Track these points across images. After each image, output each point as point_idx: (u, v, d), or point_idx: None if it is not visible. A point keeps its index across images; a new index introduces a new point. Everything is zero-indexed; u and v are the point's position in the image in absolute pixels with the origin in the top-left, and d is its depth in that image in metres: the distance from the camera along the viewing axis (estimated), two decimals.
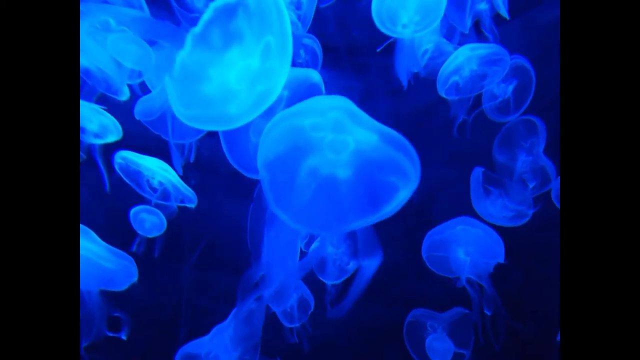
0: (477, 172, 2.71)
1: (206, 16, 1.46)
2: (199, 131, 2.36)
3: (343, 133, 1.46)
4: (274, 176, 1.49)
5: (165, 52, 2.43)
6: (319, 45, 2.68)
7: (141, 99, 2.36)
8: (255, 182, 2.03)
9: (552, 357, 2.48)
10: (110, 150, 2.54)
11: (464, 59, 2.61)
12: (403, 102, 2.90)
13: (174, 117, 2.36)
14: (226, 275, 2.12)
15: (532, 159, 2.80)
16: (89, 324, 2.17)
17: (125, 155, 2.57)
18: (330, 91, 1.90)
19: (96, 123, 2.47)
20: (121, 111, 2.47)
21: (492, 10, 2.72)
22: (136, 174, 2.59)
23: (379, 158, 1.47)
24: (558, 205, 2.53)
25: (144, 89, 2.47)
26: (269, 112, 1.66)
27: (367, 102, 2.66)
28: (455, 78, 2.63)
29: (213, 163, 2.83)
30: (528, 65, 2.72)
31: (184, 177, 2.58)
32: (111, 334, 2.36)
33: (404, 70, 2.58)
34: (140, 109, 2.34)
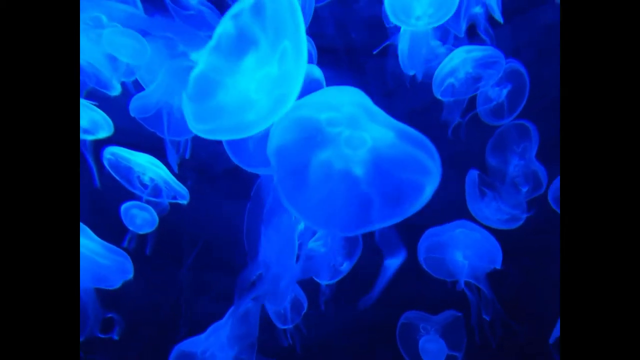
0: (473, 174, 2.72)
1: (221, 27, 1.43)
2: None
3: (359, 129, 1.43)
4: (284, 166, 1.45)
5: (161, 46, 2.42)
6: (314, 46, 2.68)
7: (136, 96, 2.35)
8: (253, 182, 2.03)
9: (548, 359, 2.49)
10: (101, 146, 2.52)
11: (459, 61, 2.62)
12: (398, 104, 2.90)
13: (169, 114, 2.35)
14: (225, 276, 2.10)
15: (525, 164, 2.81)
16: (83, 323, 2.14)
17: (114, 151, 2.54)
18: None
19: (86, 119, 2.45)
20: (113, 107, 2.45)
21: (487, 14, 2.74)
22: (126, 170, 2.56)
23: (397, 155, 1.44)
24: (555, 207, 2.54)
25: (137, 86, 2.46)
26: None
27: None
28: (451, 80, 2.65)
29: (210, 162, 2.81)
30: (522, 70, 2.73)
31: (181, 177, 2.56)
32: (103, 335, 2.33)
33: (418, 63, 2.58)
34: (135, 106, 2.32)
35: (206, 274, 3.03)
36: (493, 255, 2.52)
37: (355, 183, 1.44)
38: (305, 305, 2.65)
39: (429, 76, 2.77)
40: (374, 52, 2.75)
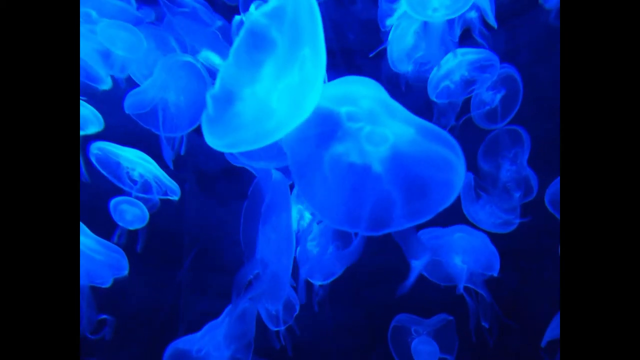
0: (469, 177, 2.72)
1: (238, 41, 1.39)
2: (190, 124, 2.32)
3: (380, 125, 1.39)
4: (301, 160, 1.39)
5: (158, 40, 2.41)
6: None
7: (131, 92, 2.33)
8: (250, 181, 2.02)
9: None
10: (90, 141, 2.49)
11: (454, 64, 2.64)
12: None
13: (164, 110, 2.33)
14: (223, 276, 2.08)
15: (516, 169, 2.82)
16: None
17: (102, 146, 2.50)
18: None
19: None
20: (104, 104, 2.42)
21: (482, 18, 2.76)
22: (115, 166, 2.52)
23: (419, 152, 1.39)
24: (552, 210, 2.55)
25: (128, 82, 2.43)
26: None
27: None
28: (446, 83, 2.66)
29: (207, 162, 2.80)
30: (516, 75, 2.75)
31: (178, 177, 2.53)
32: (93, 337, 2.30)
33: (435, 53, 2.57)
34: (130, 102, 2.30)
35: (204, 274, 3.00)
36: (491, 262, 2.51)
37: (376, 181, 1.39)
38: (298, 306, 2.63)
39: (423, 80, 2.79)
40: (370, 55, 2.76)
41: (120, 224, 2.55)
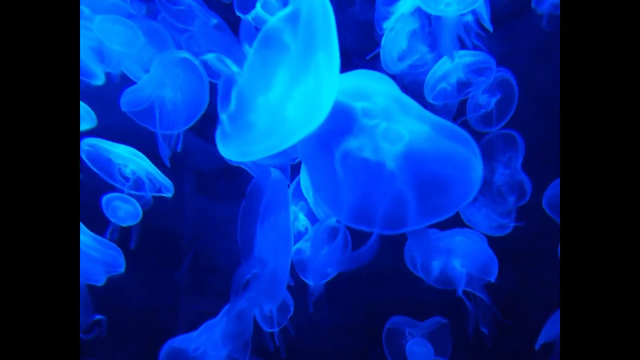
0: None
1: (254, 50, 1.38)
2: (187, 121, 2.31)
3: (394, 122, 1.35)
4: (314, 156, 1.36)
5: (151, 35, 2.39)
6: None
7: (127, 90, 2.30)
8: (249, 181, 2.01)
9: None
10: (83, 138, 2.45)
11: (451, 66, 2.64)
12: None
13: (161, 107, 2.31)
14: (221, 275, 2.07)
15: (510, 173, 2.83)
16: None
17: (93, 143, 2.46)
18: None
19: None
20: (97, 101, 2.40)
21: (477, 22, 2.77)
22: (106, 163, 2.48)
23: (435, 150, 1.35)
24: (549, 213, 2.55)
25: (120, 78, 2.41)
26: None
27: None
28: (443, 85, 2.66)
29: (204, 162, 2.78)
30: (512, 80, 2.77)
31: (175, 177, 2.50)
32: (85, 337, 2.27)
33: (449, 47, 2.57)
34: (126, 100, 2.28)
35: (203, 274, 2.98)
36: (489, 268, 2.51)
37: (390, 178, 1.36)
38: (292, 307, 2.62)
39: (419, 82, 2.79)
40: (367, 58, 2.76)
41: (112, 220, 2.52)
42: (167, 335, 2.15)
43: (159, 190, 2.51)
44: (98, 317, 2.26)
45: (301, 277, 2.54)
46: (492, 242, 2.58)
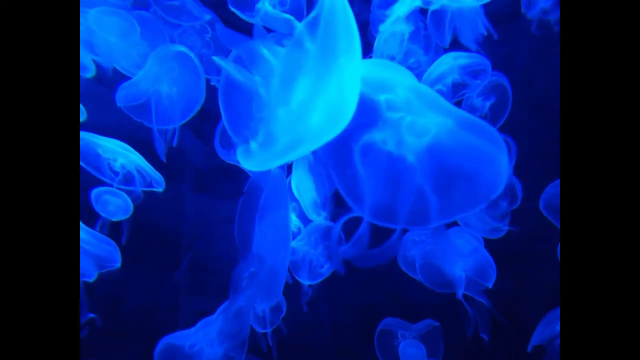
0: None
1: (277, 71, 1.34)
2: (183, 116, 2.28)
3: (418, 115, 1.31)
4: (335, 148, 1.31)
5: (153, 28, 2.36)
6: None
7: (123, 85, 2.27)
8: (247, 178, 2.00)
9: None
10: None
11: (447, 68, 2.65)
12: None
13: (157, 102, 2.28)
14: (220, 274, 2.04)
15: None
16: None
17: (81, 136, 2.40)
18: None
19: None
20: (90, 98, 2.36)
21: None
22: (95, 157, 2.43)
23: (458, 145, 1.31)
24: (547, 215, 2.56)
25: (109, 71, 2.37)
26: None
27: None
28: (439, 86, 2.67)
29: (201, 160, 2.75)
30: (506, 84, 2.78)
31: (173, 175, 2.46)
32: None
33: (469, 36, 2.56)
34: (122, 95, 2.24)
35: (203, 274, 2.94)
36: (488, 273, 2.51)
37: (411, 173, 1.32)
38: (285, 307, 2.60)
39: None
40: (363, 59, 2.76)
41: (102, 214, 2.47)
42: (166, 335, 2.12)
43: (150, 185, 2.46)
44: (91, 315, 2.23)
45: (295, 276, 2.52)
46: (490, 243, 2.59)
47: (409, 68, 2.86)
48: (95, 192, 2.46)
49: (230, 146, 2.52)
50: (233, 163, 2.52)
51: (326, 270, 2.59)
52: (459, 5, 2.41)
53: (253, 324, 2.54)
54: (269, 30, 2.33)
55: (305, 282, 2.56)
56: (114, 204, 2.43)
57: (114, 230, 2.44)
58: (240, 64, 1.78)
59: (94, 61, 2.35)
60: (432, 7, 2.74)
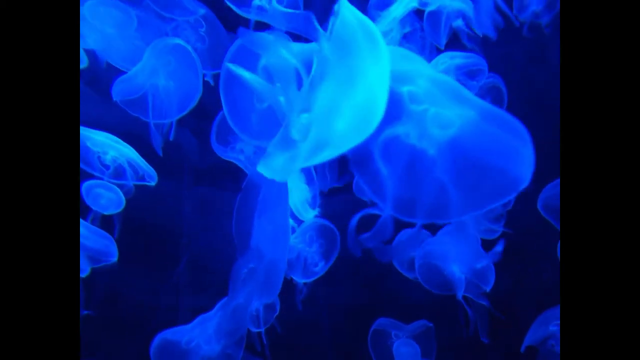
0: None
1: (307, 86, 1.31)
2: (180, 110, 2.25)
3: (441, 107, 1.28)
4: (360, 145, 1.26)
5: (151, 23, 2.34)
6: None
7: (119, 79, 2.23)
8: (243, 176, 1.98)
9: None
10: None
11: (443, 68, 2.65)
12: None
13: (154, 95, 2.25)
14: (222, 275, 2.02)
15: None
16: None
17: None
18: None
19: None
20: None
21: (468, 26, 2.80)
22: (84, 150, 2.36)
23: (482, 138, 1.27)
24: (544, 214, 2.57)
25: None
26: None
27: None
28: None
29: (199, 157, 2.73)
30: (501, 86, 2.79)
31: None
32: None
33: (487, 26, 2.55)
34: (119, 89, 2.21)
35: (203, 273, 2.90)
36: (487, 276, 2.51)
37: (432, 166, 1.29)
38: (278, 306, 2.57)
39: None
40: None
41: (94, 208, 2.42)
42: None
43: (142, 178, 2.41)
44: (86, 312, 2.19)
45: (289, 274, 2.50)
46: (487, 244, 2.59)
47: None
48: (86, 185, 2.41)
49: (227, 143, 2.49)
50: (229, 160, 2.49)
51: (320, 269, 2.58)
52: None
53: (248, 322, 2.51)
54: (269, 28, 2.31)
55: (300, 280, 2.55)
56: (106, 197, 2.38)
57: (105, 225, 2.40)
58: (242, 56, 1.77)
59: (86, 53, 2.32)
60: (428, 9, 2.76)
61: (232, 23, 2.60)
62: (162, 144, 2.31)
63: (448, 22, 2.80)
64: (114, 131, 2.40)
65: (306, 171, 2.50)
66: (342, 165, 2.40)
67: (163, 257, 2.82)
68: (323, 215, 2.57)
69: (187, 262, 2.89)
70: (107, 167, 2.37)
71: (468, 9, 2.77)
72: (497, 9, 2.62)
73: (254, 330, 2.50)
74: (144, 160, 2.40)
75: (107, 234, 2.24)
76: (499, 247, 2.24)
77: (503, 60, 2.72)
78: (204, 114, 2.42)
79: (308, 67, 1.35)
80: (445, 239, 2.49)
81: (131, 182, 2.41)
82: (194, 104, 2.27)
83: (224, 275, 1.90)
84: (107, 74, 2.33)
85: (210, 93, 2.35)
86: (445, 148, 1.29)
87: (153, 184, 2.42)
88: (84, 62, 2.30)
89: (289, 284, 2.56)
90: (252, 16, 2.48)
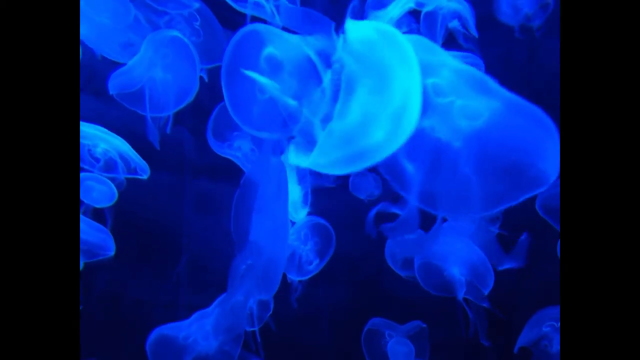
0: None
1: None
2: (177, 103, 2.23)
3: (467, 98, 1.24)
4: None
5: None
6: None
7: (116, 72, 2.19)
8: (240, 173, 1.96)
9: None
10: None
11: None
12: None
13: (152, 89, 2.22)
14: (222, 274, 2.00)
15: None
16: None
17: None
18: None
19: None
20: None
21: (464, 27, 2.81)
22: None
23: (507, 130, 1.23)
24: (542, 214, 2.57)
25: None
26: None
27: None
28: None
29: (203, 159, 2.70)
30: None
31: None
32: None
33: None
34: (115, 83, 2.17)
35: (203, 272, 2.87)
36: (486, 280, 2.51)
37: (457, 159, 1.25)
38: (272, 305, 2.55)
39: None
40: None
41: (86, 201, 2.36)
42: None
43: (134, 171, 2.36)
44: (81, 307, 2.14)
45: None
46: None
47: None
48: None
49: (224, 139, 2.47)
50: (226, 156, 2.47)
51: (315, 267, 2.56)
52: None
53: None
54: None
55: (295, 278, 2.53)
56: (98, 190, 2.33)
57: (99, 219, 2.36)
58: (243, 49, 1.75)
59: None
60: (425, 9, 2.77)
61: (226, 17, 2.58)
62: (159, 139, 2.27)
63: (444, 23, 2.81)
64: (109, 126, 2.37)
65: (298, 170, 2.49)
66: None
67: (160, 252, 2.79)
68: (318, 213, 2.56)
69: (188, 262, 2.87)
70: (98, 160, 2.32)
71: (464, 9, 2.79)
72: None
73: (248, 329, 2.48)
74: (136, 153, 2.35)
75: (104, 228, 2.20)
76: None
77: (500, 61, 2.72)
78: (201, 109, 2.41)
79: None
80: (447, 240, 2.49)
81: (122, 175, 2.36)
82: (191, 97, 2.24)
83: (223, 273, 1.88)
84: (102, 67, 2.31)
85: (206, 88, 2.33)
86: (471, 140, 1.26)
87: (145, 177, 2.37)
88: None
89: (284, 282, 2.54)
90: (248, 11, 2.47)
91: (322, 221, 2.58)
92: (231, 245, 1.86)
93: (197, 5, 2.56)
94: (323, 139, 1.23)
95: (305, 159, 1.25)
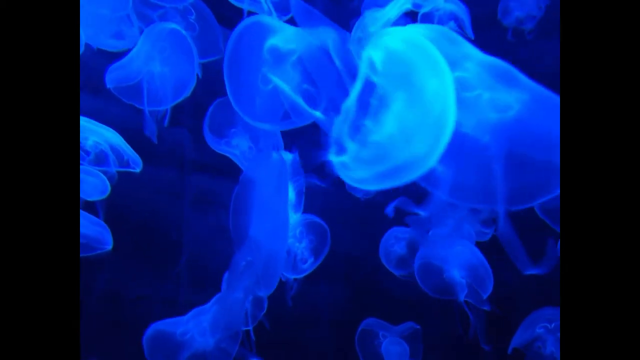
0: None
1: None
2: (175, 97, 2.20)
3: (494, 90, 1.23)
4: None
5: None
6: None
7: (113, 66, 2.17)
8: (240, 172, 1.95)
9: None
10: None
11: None
12: None
13: (149, 82, 2.20)
14: (223, 272, 1.98)
15: None
16: None
17: None
18: None
19: None
20: None
21: (460, 28, 2.83)
22: None
23: (535, 124, 1.22)
24: (541, 215, 2.58)
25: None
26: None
27: None
28: None
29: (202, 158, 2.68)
30: None
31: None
32: None
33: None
34: (113, 77, 2.14)
35: (203, 271, 2.84)
36: (485, 283, 2.51)
37: (484, 153, 1.23)
38: (266, 304, 2.53)
39: None
40: None
41: None
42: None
43: (127, 164, 2.32)
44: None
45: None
46: (490, 241, 2.59)
47: None
48: None
49: (221, 135, 2.45)
50: (224, 154, 2.45)
51: (310, 265, 2.55)
52: None
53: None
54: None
55: (290, 276, 2.51)
56: (90, 183, 2.28)
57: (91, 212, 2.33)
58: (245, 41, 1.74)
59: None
60: (421, 11, 2.78)
61: (221, 11, 2.57)
62: (157, 133, 2.25)
63: (441, 24, 2.82)
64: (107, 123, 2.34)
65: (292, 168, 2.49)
66: None
67: (159, 249, 2.76)
68: (313, 211, 2.55)
69: (188, 261, 2.84)
70: (88, 152, 2.28)
71: (460, 11, 2.81)
72: None
73: (242, 328, 2.46)
74: (128, 145, 2.31)
75: (101, 221, 2.16)
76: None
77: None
78: (198, 104, 2.39)
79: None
80: (448, 241, 2.48)
81: (114, 169, 2.32)
82: (189, 91, 2.22)
83: (223, 271, 1.87)
84: (100, 61, 2.28)
85: (203, 84, 2.32)
86: (501, 133, 1.24)
87: (138, 170, 2.33)
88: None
89: (279, 280, 2.53)
90: (245, 6, 2.45)
91: (317, 219, 2.57)
92: (230, 243, 1.85)
93: None
94: (363, 155, 1.22)
95: (348, 174, 1.23)
